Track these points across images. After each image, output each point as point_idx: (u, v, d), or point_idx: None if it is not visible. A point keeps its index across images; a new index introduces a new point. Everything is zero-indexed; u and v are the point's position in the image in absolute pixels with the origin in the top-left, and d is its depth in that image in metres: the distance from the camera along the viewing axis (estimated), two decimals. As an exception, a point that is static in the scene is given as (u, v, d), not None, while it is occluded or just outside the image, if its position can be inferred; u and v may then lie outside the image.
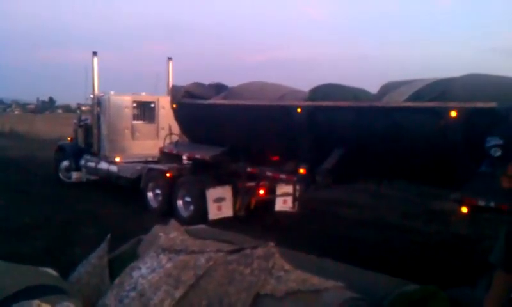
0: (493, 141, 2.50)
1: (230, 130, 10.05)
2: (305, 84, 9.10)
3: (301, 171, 8.55)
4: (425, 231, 9.92)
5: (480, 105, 5.94)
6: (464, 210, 6.12)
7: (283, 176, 9.28)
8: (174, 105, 11.64)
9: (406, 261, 7.81)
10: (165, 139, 12.35)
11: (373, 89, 8.28)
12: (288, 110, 8.58)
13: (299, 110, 8.36)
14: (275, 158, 9.79)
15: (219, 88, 11.30)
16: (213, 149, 10.55)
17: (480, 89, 6.44)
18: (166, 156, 12.18)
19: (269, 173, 9.63)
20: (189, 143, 11.84)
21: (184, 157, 12.25)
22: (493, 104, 5.69)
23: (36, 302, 3.32)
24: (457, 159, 6.30)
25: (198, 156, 10.90)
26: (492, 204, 5.75)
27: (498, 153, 2.49)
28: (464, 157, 6.00)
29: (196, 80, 11.55)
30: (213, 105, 10.54)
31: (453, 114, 6.19)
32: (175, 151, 11.79)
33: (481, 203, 5.89)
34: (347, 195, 12.73)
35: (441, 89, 6.84)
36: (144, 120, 13.96)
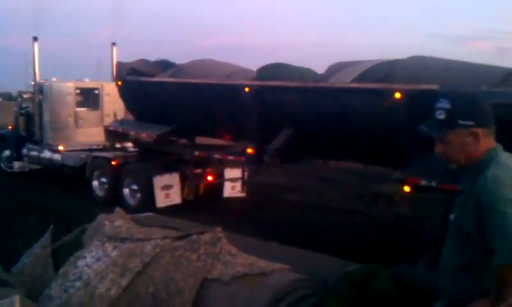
0: (442, 103, 2.55)
1: (177, 109, 9.92)
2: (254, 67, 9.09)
3: (249, 151, 8.58)
4: (369, 212, 10.17)
5: (423, 87, 6.11)
6: (406, 189, 6.34)
7: (231, 157, 9.29)
8: (119, 83, 11.39)
9: (351, 243, 8.00)
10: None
11: (320, 71, 8.38)
12: (236, 90, 8.53)
13: (247, 89, 8.33)
14: (223, 137, 9.79)
15: (165, 65, 11.09)
16: (160, 127, 10.40)
17: (424, 71, 6.64)
18: (111, 134, 11.97)
19: (217, 155, 9.63)
20: (135, 121, 11.62)
21: (129, 144, 12.10)
22: (435, 86, 5.88)
23: None
24: (401, 140, 6.48)
25: (144, 134, 10.75)
26: (433, 183, 5.97)
27: (442, 116, 2.54)
28: (407, 138, 6.17)
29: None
30: (159, 83, 10.35)
31: (397, 95, 6.35)
32: (120, 129, 11.58)
33: (423, 182, 6.11)
34: (294, 180, 12.89)
35: (387, 71, 7.01)
36: (88, 107, 13.64)
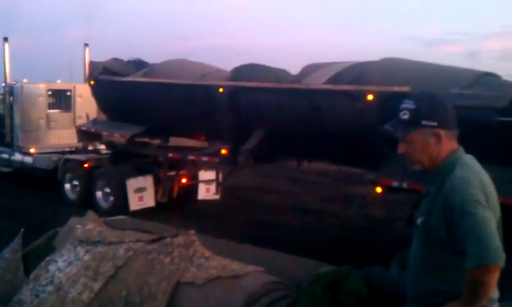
0: (407, 104, 2.57)
1: (150, 109, 9.84)
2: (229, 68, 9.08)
3: (223, 151, 8.57)
4: (343, 214, 10.26)
5: (395, 89, 6.19)
6: (378, 190, 6.41)
7: (205, 158, 9.27)
8: (91, 82, 11.26)
9: (325, 244, 8.06)
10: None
11: (295, 72, 8.41)
12: (209, 90, 8.51)
13: (221, 90, 8.31)
14: (198, 137, 9.76)
15: (138, 64, 11.00)
16: (133, 128, 10.33)
17: (396, 72, 6.72)
18: (83, 134, 11.83)
19: (191, 157, 9.60)
20: (108, 121, 11.50)
21: (102, 147, 11.98)
22: (407, 88, 5.95)
23: None
24: (373, 141, 6.55)
25: (117, 135, 10.65)
26: (405, 185, 6.05)
27: (406, 116, 2.56)
28: (380, 139, 6.24)
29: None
30: (132, 83, 10.26)
31: (369, 97, 6.41)
32: (93, 130, 11.45)
33: (395, 183, 6.18)
34: (268, 182, 12.94)
35: (359, 73, 7.08)
36: (60, 109, 13.46)
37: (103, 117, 11.82)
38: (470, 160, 2.56)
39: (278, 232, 8.79)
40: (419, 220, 2.60)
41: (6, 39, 12.83)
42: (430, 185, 2.61)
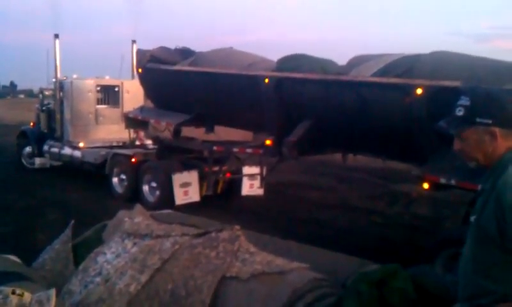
0: (462, 100, 2.51)
1: (197, 98, 9.91)
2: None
3: (268, 142, 8.56)
4: (388, 212, 10.12)
5: (445, 83, 6.03)
6: (425, 186, 6.27)
7: (249, 150, 9.29)
8: (139, 70, 11.43)
9: (369, 242, 7.97)
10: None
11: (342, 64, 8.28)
12: (255, 80, 8.50)
13: (266, 80, 8.29)
14: (242, 127, 9.77)
15: (185, 53, 11.07)
16: (179, 116, 10.43)
17: (446, 67, 6.54)
18: (130, 121, 12.03)
19: (235, 149, 9.64)
20: (155, 109, 11.64)
21: (149, 142, 12.17)
22: (457, 83, 5.79)
23: (7, 289, 3.25)
24: (421, 136, 6.42)
25: (163, 122, 10.79)
26: (453, 182, 5.90)
27: (461, 113, 2.50)
28: (428, 134, 6.11)
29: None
30: (179, 71, 10.35)
31: (419, 91, 6.27)
32: (140, 117, 11.63)
33: (442, 180, 6.03)
34: (312, 179, 12.88)
35: (409, 65, 6.91)
36: (108, 104, 13.77)
37: (150, 105, 11.99)
38: None
39: (322, 229, 8.74)
40: (472, 219, 2.55)
41: (56, 36, 13.18)
42: (485, 183, 2.54)
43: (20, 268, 4.04)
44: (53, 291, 3.27)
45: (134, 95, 12.88)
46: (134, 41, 14.24)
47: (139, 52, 11.95)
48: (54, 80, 13.69)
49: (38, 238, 7.43)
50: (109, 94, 13.79)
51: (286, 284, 3.28)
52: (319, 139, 7.95)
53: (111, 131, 13.38)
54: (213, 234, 3.84)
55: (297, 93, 7.99)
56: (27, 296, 3.13)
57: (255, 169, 10.50)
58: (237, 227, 3.85)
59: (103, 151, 12.31)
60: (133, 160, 11.07)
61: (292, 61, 8.28)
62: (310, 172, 12.88)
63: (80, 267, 4.10)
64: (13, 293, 3.15)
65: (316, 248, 4.10)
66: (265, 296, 3.29)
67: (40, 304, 3.13)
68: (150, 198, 10.53)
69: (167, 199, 9.89)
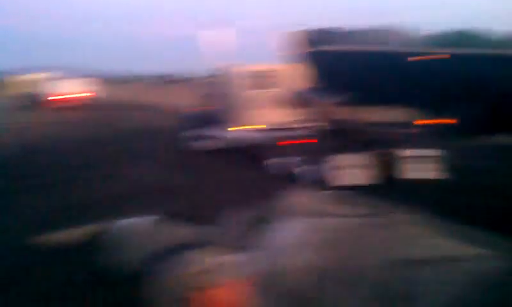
0: None
1: (361, 77, 9.78)
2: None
3: (441, 122, 8.20)
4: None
5: None
6: None
7: (417, 130, 8.94)
8: (306, 52, 11.50)
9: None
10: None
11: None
12: (435, 60, 8.20)
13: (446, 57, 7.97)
14: (417, 108, 9.45)
15: (330, 34, 10.96)
16: (343, 96, 10.34)
17: None
18: (296, 102, 12.17)
19: (404, 130, 9.34)
20: (320, 89, 11.70)
21: (308, 124, 12.26)
22: None
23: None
24: None
25: (328, 102, 10.77)
26: None
27: None
28: None
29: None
30: (347, 52, 10.29)
31: None
32: (305, 97, 11.75)
33: None
34: (494, 164, 11.80)
35: None
36: (263, 89, 14.10)
37: (314, 86, 12.06)
38: None
39: (504, 217, 8.03)
40: None
41: (218, 25, 13.80)
42: None
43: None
44: (156, 218, 3.44)
45: (287, 79, 13.07)
46: (285, 30, 14.37)
47: (300, 33, 11.99)
48: (215, 67, 14.35)
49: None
50: (265, 80, 14.12)
51: (464, 270, 3.11)
52: (497, 121, 7.43)
53: (267, 115, 13.71)
54: (383, 216, 3.76)
55: (472, 71, 7.51)
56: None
57: (428, 152, 10.02)
58: (409, 211, 3.73)
59: (260, 134, 12.64)
60: (291, 142, 11.21)
61: (456, 38, 7.82)
62: (490, 157, 11.84)
63: (252, 243, 4.25)
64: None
65: (495, 236, 3.83)
66: (439, 281, 3.15)
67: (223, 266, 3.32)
68: (316, 179, 10.57)
69: (332, 181, 9.85)
